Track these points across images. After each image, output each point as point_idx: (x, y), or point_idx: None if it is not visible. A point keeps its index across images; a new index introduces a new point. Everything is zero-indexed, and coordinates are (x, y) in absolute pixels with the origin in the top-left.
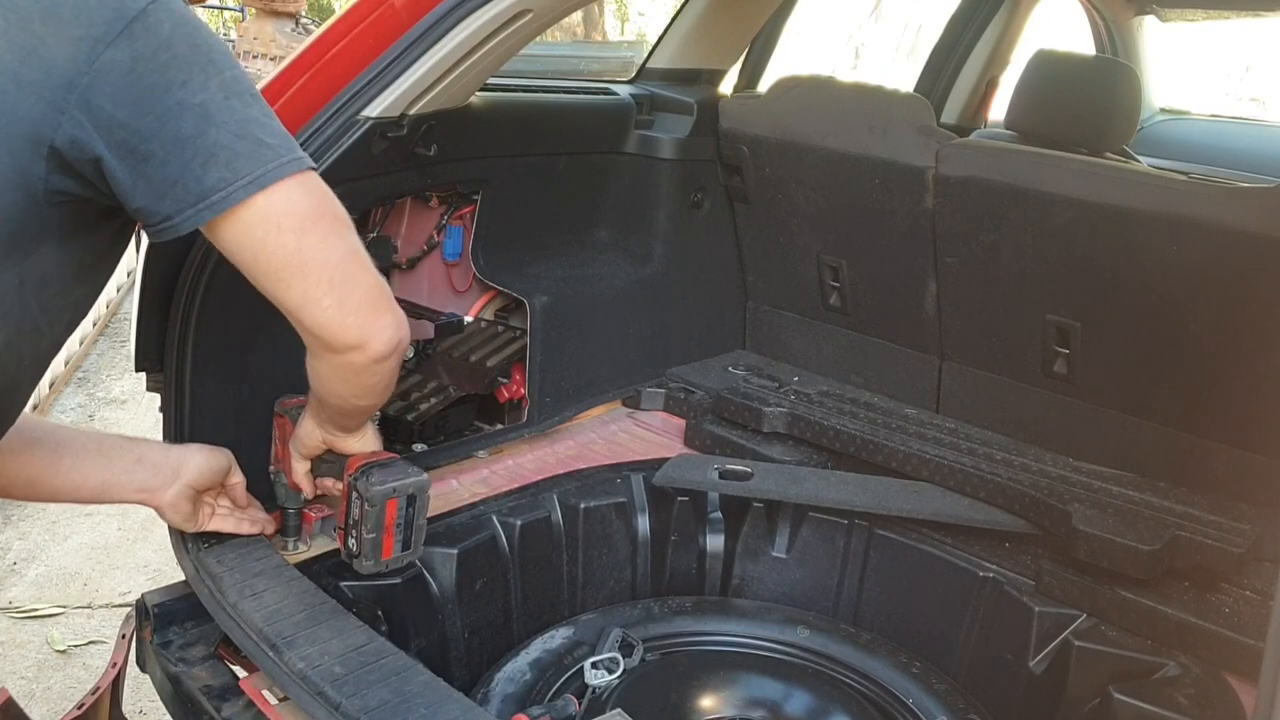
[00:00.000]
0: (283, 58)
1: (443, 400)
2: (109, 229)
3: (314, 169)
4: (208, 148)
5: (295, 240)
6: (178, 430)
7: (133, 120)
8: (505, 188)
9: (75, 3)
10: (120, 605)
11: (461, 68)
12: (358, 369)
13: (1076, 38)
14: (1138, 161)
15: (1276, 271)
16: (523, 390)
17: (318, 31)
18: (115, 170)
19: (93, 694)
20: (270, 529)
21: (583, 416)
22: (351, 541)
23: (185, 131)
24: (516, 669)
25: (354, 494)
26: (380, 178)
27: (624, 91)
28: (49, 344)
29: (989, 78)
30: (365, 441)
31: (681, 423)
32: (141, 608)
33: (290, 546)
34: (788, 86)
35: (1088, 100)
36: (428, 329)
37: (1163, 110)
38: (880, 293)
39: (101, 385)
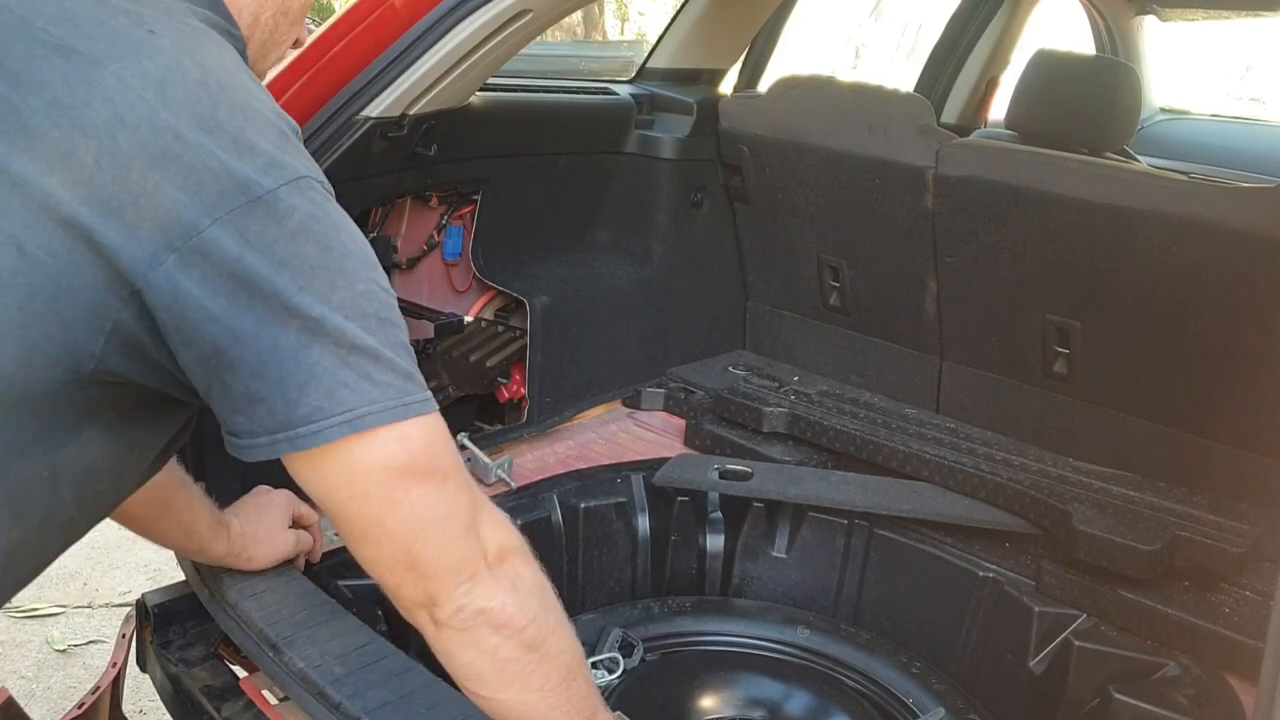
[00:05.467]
0: (284, 57)
1: (442, 400)
2: (175, 419)
3: (422, 414)
4: (308, 367)
5: (378, 510)
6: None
7: (226, 316)
8: (505, 187)
9: (195, 155)
10: (120, 605)
11: (461, 68)
12: (454, 649)
13: (1076, 38)
14: (1138, 161)
15: (1276, 271)
16: (523, 390)
17: (318, 31)
18: (190, 366)
19: (93, 693)
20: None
21: (583, 416)
22: None
23: (286, 343)
24: None
25: None
26: (380, 177)
27: (624, 91)
28: (83, 529)
29: (989, 78)
30: None
31: (681, 423)
32: (141, 608)
33: None
34: (788, 86)
35: (1088, 100)
36: (428, 329)
37: (1163, 110)
38: (880, 293)
39: None
